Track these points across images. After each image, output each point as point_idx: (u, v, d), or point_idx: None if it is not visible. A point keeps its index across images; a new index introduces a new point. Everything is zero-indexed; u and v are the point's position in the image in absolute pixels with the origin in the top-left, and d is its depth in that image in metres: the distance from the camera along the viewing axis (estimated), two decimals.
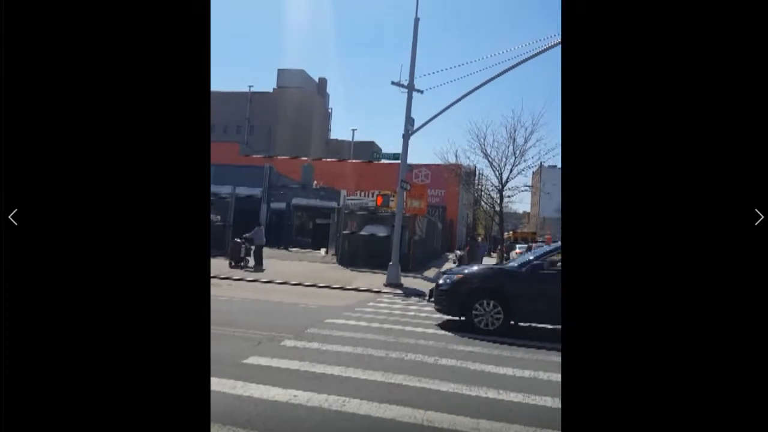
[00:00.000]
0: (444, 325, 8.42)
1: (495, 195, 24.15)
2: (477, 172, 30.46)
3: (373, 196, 26.83)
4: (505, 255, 24.15)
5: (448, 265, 20.87)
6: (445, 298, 8.52)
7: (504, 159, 22.66)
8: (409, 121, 15.14)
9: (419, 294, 12.78)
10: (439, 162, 29.67)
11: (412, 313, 9.82)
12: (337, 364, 5.45)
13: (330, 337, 6.85)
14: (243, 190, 28.42)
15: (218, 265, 15.54)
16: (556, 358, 6.32)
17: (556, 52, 17.29)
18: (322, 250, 24.80)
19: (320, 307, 9.70)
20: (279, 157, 39.93)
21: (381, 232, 19.30)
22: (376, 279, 15.07)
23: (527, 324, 8.36)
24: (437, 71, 61.28)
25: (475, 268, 9.83)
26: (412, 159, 19.58)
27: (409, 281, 15.17)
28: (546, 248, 9.42)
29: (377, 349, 6.26)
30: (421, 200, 17.90)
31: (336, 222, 23.93)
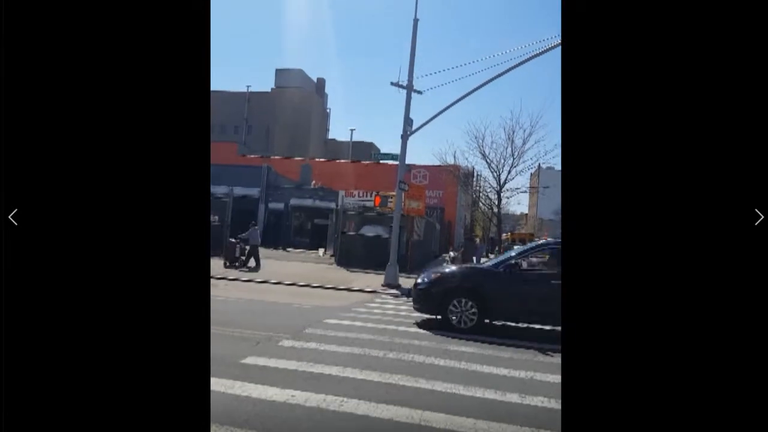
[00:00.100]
0: (422, 324, 8.37)
1: (493, 196, 24.21)
2: (475, 174, 30.52)
3: (371, 197, 26.81)
4: None
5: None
6: (423, 296, 8.52)
7: (502, 160, 22.78)
8: (408, 121, 15.11)
9: None
10: (437, 163, 29.73)
11: (408, 314, 9.82)
12: (335, 364, 5.46)
13: (328, 338, 6.86)
14: (240, 190, 28.37)
15: (213, 265, 15.51)
16: (544, 358, 6.35)
17: (556, 53, 17.32)
18: (320, 251, 24.80)
19: (314, 307, 9.69)
20: (277, 158, 39.87)
21: (379, 232, 19.31)
22: (374, 279, 15.06)
23: (501, 323, 8.36)
24: (436, 72, 60.55)
25: (453, 267, 9.88)
26: (410, 160, 19.58)
27: (407, 282, 15.15)
28: (522, 248, 9.50)
29: (374, 349, 6.28)
30: (420, 201, 17.93)
31: (334, 222, 23.92)
